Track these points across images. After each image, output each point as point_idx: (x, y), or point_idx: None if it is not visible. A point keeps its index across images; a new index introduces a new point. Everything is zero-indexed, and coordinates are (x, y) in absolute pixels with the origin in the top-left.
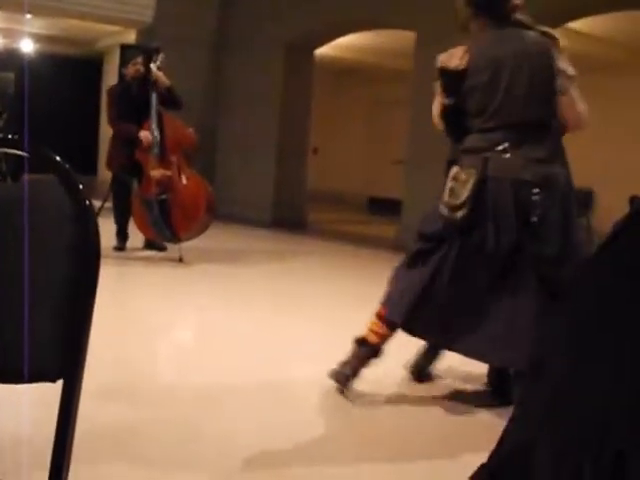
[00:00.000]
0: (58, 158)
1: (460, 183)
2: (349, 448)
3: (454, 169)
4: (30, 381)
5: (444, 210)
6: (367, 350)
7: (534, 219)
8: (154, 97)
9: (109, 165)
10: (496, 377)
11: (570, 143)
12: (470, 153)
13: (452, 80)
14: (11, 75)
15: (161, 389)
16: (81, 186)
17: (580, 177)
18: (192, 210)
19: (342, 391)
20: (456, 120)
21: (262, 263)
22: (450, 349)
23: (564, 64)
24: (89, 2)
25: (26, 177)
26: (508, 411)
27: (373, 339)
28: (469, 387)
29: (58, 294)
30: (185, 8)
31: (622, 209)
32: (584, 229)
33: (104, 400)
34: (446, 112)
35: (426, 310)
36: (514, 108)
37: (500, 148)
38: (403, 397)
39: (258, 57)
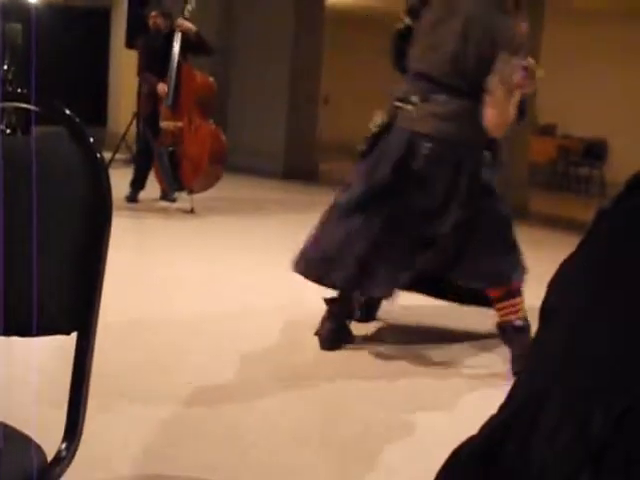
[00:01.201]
0: (68, 111)
1: (374, 124)
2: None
3: (376, 113)
4: (44, 334)
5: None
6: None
7: (415, 167)
8: (176, 46)
9: (138, 115)
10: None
11: (585, 92)
12: (392, 100)
13: (417, 3)
14: (19, 26)
15: (172, 337)
16: (92, 139)
17: (594, 128)
18: (197, 160)
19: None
20: (402, 46)
21: (274, 214)
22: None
23: (507, 68)
24: None
25: (34, 130)
26: None
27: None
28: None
29: (70, 247)
30: None
31: (636, 160)
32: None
33: (116, 352)
34: (399, 36)
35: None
36: (436, 64)
37: (409, 99)
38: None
39: (268, 5)
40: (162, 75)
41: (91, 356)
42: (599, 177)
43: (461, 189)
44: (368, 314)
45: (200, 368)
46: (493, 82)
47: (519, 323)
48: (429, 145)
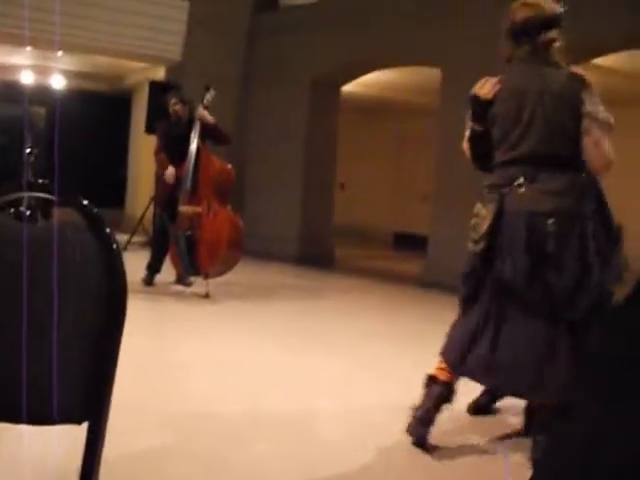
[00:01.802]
0: (87, 202)
1: (480, 219)
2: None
3: (477, 206)
4: (56, 423)
5: (469, 245)
6: (438, 388)
7: (550, 248)
8: (196, 132)
9: (156, 197)
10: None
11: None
12: (491, 189)
13: (481, 108)
14: (42, 110)
15: (185, 424)
16: (109, 230)
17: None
18: (215, 246)
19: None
20: (483, 147)
21: (288, 299)
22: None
23: (593, 107)
24: (119, 40)
25: (56, 221)
26: None
27: (443, 376)
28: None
29: (85, 337)
30: (213, 45)
31: None
32: (613, 268)
33: (128, 436)
34: (474, 138)
35: (474, 355)
36: (531, 142)
37: (516, 183)
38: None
39: (285, 93)
40: (180, 160)
41: (102, 445)
42: (621, 259)
43: (590, 262)
44: (484, 406)
45: (212, 454)
46: (586, 122)
47: None
48: (552, 221)
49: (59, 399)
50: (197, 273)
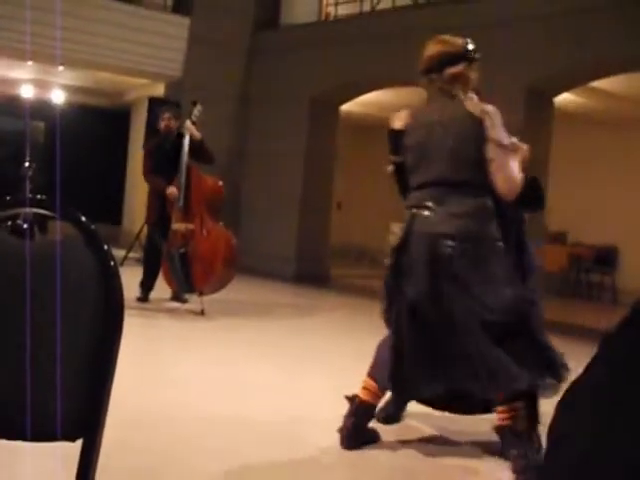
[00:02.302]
0: (84, 218)
1: (394, 236)
2: None
3: (392, 225)
4: (50, 440)
5: (385, 260)
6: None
7: (447, 268)
8: (184, 151)
9: (147, 218)
10: None
11: (595, 199)
12: (406, 210)
13: (395, 139)
14: (42, 125)
15: (179, 442)
16: (106, 246)
17: (605, 234)
18: (210, 263)
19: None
20: (405, 179)
21: (284, 318)
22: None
23: (497, 134)
24: (119, 55)
25: (53, 237)
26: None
27: (366, 396)
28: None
29: (81, 354)
30: (212, 62)
31: None
32: (531, 284)
33: (122, 452)
34: (397, 171)
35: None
36: (440, 169)
37: (425, 204)
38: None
39: (283, 112)
40: (170, 177)
41: (96, 462)
42: (611, 283)
43: (490, 284)
44: (393, 416)
45: (205, 472)
46: (490, 149)
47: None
48: (451, 243)
49: (54, 416)
50: (192, 290)
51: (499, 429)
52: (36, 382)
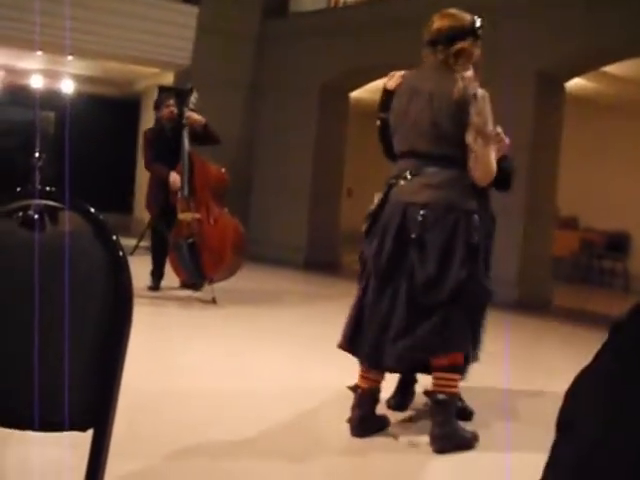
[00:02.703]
0: (93, 209)
1: (373, 204)
2: None
3: (375, 195)
4: (60, 430)
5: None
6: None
7: (413, 235)
8: (185, 139)
9: (148, 207)
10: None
11: (606, 185)
12: (388, 179)
13: (386, 98)
14: (51, 115)
15: (190, 432)
16: (115, 237)
17: (616, 220)
18: (219, 252)
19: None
20: (388, 136)
21: (295, 306)
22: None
23: (480, 119)
24: (128, 45)
25: (63, 228)
26: None
27: (364, 384)
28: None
29: (91, 343)
30: (222, 51)
31: None
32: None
33: (131, 444)
34: (382, 128)
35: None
36: (419, 139)
37: (403, 175)
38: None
39: (293, 99)
40: (172, 165)
41: (107, 452)
42: (622, 269)
43: (457, 254)
44: (402, 402)
45: (214, 461)
46: (470, 135)
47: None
48: (423, 212)
49: (65, 405)
50: (202, 279)
51: (430, 393)
52: (45, 372)
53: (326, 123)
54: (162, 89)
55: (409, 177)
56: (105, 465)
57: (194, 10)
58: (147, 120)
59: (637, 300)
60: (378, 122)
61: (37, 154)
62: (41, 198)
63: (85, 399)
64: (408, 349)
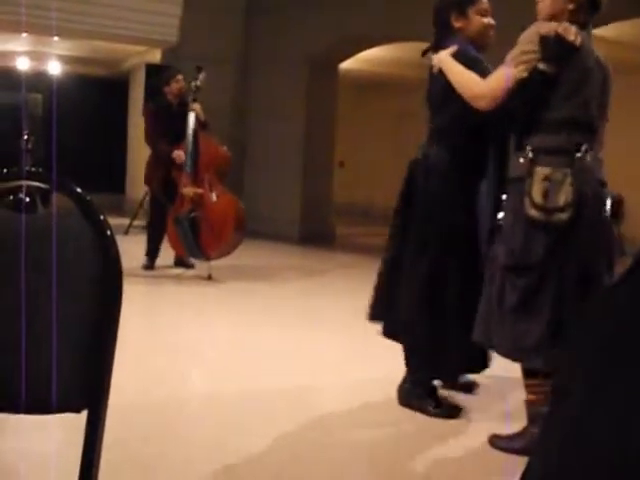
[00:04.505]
0: (80, 190)
1: (555, 184)
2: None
3: (544, 169)
4: (54, 412)
5: (539, 215)
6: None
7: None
8: (192, 116)
9: (148, 182)
10: None
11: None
12: (558, 153)
13: (565, 52)
14: (39, 96)
15: (190, 408)
16: (102, 217)
17: (609, 184)
18: (221, 229)
19: None
20: (533, 98)
21: (291, 280)
22: None
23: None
24: (115, 24)
25: (55, 210)
26: None
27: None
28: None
29: (81, 324)
30: (209, 27)
31: None
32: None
33: (131, 419)
34: (532, 82)
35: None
36: (593, 110)
37: (583, 149)
38: None
39: (283, 72)
40: (175, 141)
41: (102, 433)
42: (616, 233)
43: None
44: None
45: (217, 438)
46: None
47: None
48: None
49: (57, 387)
50: (200, 256)
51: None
52: (35, 354)
53: (316, 95)
54: (150, 67)
55: (587, 151)
56: (101, 447)
57: None
58: (136, 98)
59: (629, 263)
60: (525, 74)
61: (25, 137)
62: (28, 180)
63: (77, 380)
64: None
